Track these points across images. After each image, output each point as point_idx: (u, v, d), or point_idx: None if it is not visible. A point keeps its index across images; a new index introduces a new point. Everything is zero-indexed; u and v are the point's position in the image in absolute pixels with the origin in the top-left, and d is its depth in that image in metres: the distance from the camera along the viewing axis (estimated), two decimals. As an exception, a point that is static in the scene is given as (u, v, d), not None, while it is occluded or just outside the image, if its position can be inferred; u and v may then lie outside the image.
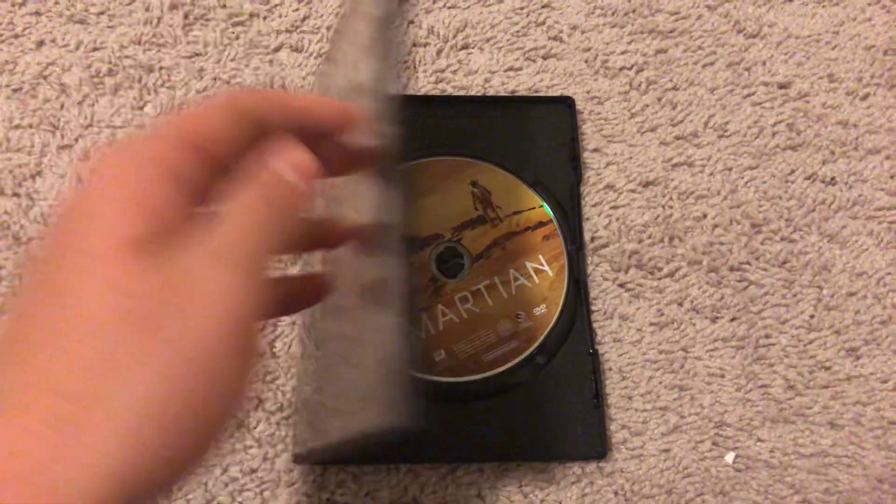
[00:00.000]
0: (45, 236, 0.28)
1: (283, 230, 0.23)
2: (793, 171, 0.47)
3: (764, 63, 0.50)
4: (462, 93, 0.47)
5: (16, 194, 0.42)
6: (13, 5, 0.47)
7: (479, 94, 0.47)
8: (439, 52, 0.48)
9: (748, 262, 0.45)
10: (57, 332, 0.19)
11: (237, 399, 0.21)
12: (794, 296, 0.44)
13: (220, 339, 0.20)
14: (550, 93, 0.48)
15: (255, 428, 0.39)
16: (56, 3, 0.47)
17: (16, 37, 0.46)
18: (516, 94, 0.48)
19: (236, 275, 0.21)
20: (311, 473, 0.38)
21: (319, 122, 0.26)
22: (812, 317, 0.44)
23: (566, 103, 0.47)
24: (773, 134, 0.48)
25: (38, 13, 0.47)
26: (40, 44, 0.46)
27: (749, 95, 0.49)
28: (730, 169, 0.47)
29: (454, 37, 0.49)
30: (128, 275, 0.20)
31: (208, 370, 0.20)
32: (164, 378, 0.19)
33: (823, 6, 0.52)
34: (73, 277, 0.20)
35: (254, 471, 0.38)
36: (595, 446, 0.39)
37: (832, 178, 0.47)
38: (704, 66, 0.49)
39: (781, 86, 0.49)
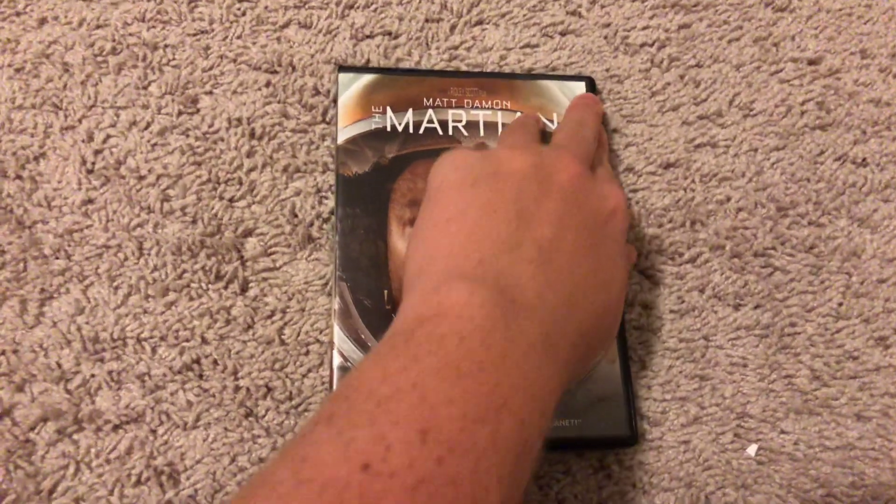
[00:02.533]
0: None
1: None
2: (822, 152, 0.45)
3: (793, 38, 0.48)
4: (476, 70, 0.46)
5: (18, 177, 0.41)
6: (14, -19, 0.45)
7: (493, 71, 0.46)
8: (453, 27, 0.47)
9: (773, 248, 0.43)
10: None
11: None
12: (822, 283, 0.42)
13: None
14: (568, 71, 0.46)
15: (264, 417, 0.38)
16: (58, -22, 0.46)
17: (17, 14, 0.45)
18: (533, 71, 0.46)
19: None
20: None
21: None
22: (840, 304, 0.42)
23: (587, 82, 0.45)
24: (802, 113, 0.46)
25: (39, -11, 0.45)
26: (42, 21, 0.45)
27: (777, 72, 0.47)
28: (755, 150, 0.45)
29: (468, 12, 0.47)
30: None
31: None
32: None
33: (856, -22, 0.50)
34: None
35: (262, 460, 0.37)
36: (623, 431, 0.38)
37: (863, 160, 0.45)
38: (730, 41, 0.47)
39: (811, 62, 0.47)
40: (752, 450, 0.39)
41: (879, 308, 0.42)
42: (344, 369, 0.38)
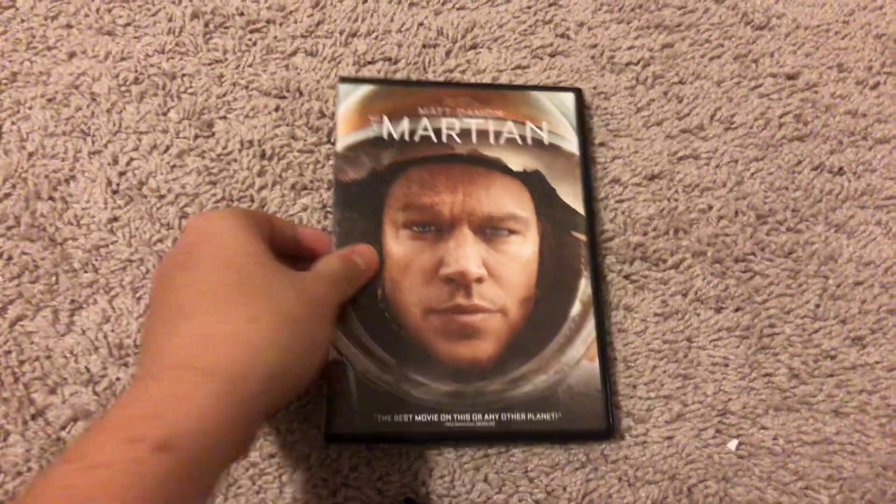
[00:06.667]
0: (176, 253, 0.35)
1: (351, 284, 0.41)
2: (800, 162, 0.47)
3: (772, 54, 0.50)
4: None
5: (51, 198, 0.45)
6: (46, 19, 0.50)
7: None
8: (448, 52, 0.50)
9: (753, 253, 0.45)
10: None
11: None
12: (800, 286, 0.45)
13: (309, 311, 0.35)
14: (557, 89, 0.49)
15: (274, 416, 0.41)
16: (86, 15, 0.50)
17: (49, 49, 0.49)
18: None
19: (330, 287, 0.38)
20: (328, 458, 0.40)
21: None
22: (817, 306, 0.44)
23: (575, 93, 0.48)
24: (780, 125, 0.48)
25: (69, 26, 0.49)
26: (72, 55, 0.49)
27: (756, 87, 0.49)
28: (736, 161, 0.47)
29: (463, 37, 0.50)
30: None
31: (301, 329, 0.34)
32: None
33: (834, -5, 0.52)
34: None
35: (272, 456, 0.40)
36: (600, 425, 0.40)
37: (840, 168, 0.47)
38: (711, 59, 0.50)
39: (789, 77, 0.50)
40: (732, 444, 0.41)
41: (856, 309, 0.44)
42: (338, 363, 0.40)
